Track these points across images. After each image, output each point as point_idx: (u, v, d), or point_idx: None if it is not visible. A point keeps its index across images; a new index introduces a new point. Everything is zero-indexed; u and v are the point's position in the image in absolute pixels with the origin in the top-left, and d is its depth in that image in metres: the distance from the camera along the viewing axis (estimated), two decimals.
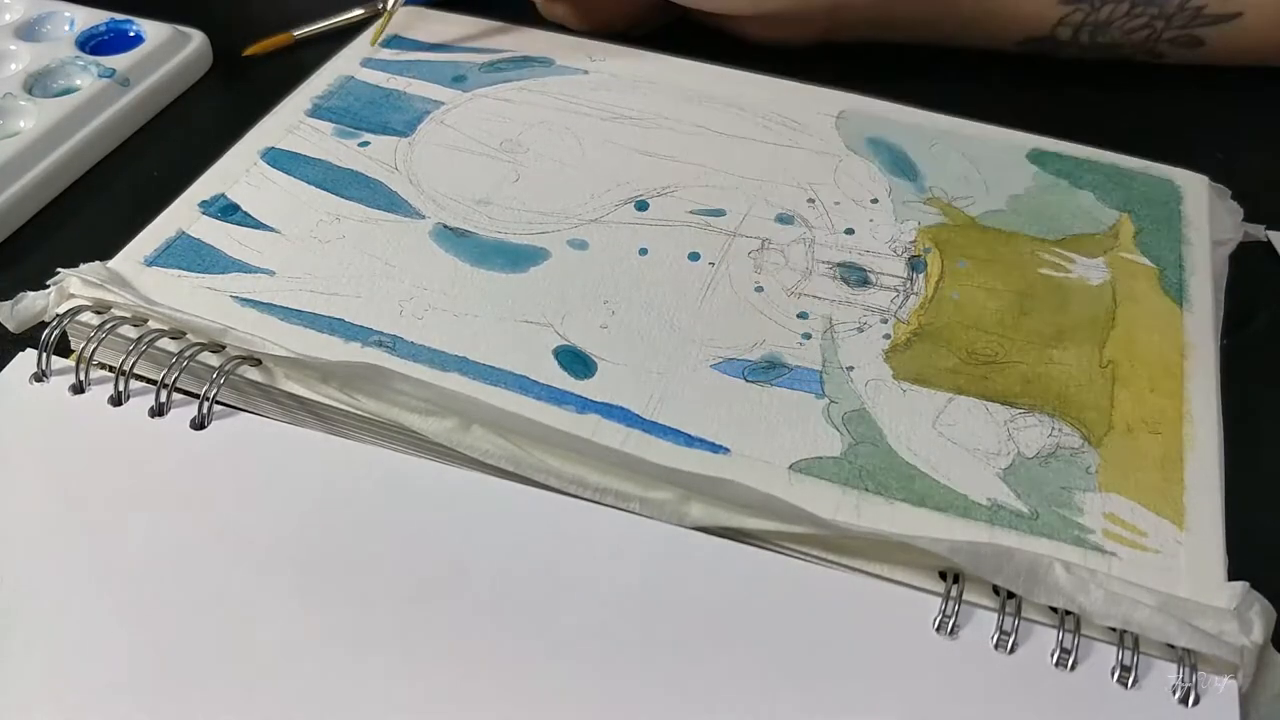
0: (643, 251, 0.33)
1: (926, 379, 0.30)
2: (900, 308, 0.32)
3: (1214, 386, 0.30)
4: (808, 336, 0.31)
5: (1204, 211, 0.36)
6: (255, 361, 0.29)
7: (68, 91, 0.40)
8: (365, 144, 0.37)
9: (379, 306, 0.31)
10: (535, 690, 0.23)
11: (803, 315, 0.31)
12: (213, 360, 0.29)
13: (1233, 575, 0.25)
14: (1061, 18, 0.41)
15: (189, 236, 0.33)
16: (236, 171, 0.36)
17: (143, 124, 0.41)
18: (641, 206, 0.35)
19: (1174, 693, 0.23)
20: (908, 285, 0.33)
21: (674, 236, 0.34)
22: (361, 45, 0.42)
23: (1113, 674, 0.24)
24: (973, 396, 0.29)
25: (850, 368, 0.30)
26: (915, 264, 0.33)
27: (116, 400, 0.28)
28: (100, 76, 0.40)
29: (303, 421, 0.29)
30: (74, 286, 0.30)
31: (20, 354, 0.29)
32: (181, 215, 0.34)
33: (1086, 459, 0.28)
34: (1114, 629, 0.24)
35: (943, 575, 0.25)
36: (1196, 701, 0.23)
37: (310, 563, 0.25)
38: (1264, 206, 0.37)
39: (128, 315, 0.30)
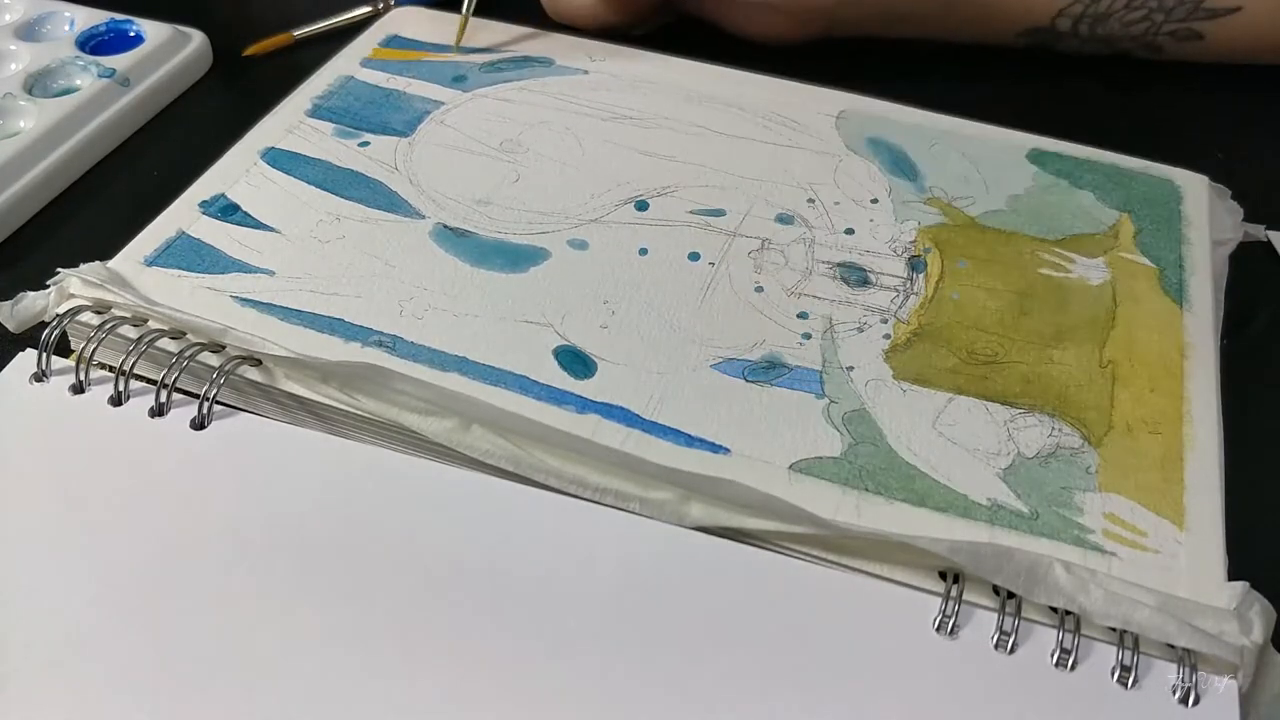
0: (643, 251, 0.33)
1: (926, 379, 0.30)
2: (900, 308, 0.32)
3: (1214, 386, 0.30)
4: (808, 336, 0.31)
5: (1204, 211, 0.36)
6: (255, 361, 0.29)
7: (68, 91, 0.40)
8: (365, 144, 0.37)
9: (379, 306, 0.31)
10: (535, 690, 0.23)
11: (803, 315, 0.31)
12: (213, 360, 0.29)
13: (1233, 575, 0.25)
14: (1061, 9, 0.41)
15: (189, 236, 0.33)
16: (236, 171, 0.36)
17: (143, 124, 0.41)
18: (641, 206, 0.35)
19: (1174, 693, 0.23)
20: (908, 285, 0.33)
21: (674, 236, 0.34)
22: (362, 45, 0.42)
23: (1113, 674, 0.24)
24: (973, 396, 0.29)
25: (850, 368, 0.30)
26: (915, 264, 0.33)
27: (116, 400, 0.28)
28: (100, 76, 0.40)
29: (303, 421, 0.29)
30: (74, 286, 0.30)
31: (20, 354, 0.29)
32: (181, 215, 0.34)
33: (1086, 459, 0.28)
34: (1114, 629, 0.24)
35: (943, 575, 0.25)
36: (1196, 701, 0.23)
37: (310, 563, 0.25)
38: (1264, 206, 0.37)
39: (128, 315, 0.30)
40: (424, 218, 0.34)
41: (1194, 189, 0.36)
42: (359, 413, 0.28)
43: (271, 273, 0.32)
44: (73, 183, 0.38)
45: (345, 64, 0.41)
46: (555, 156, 0.37)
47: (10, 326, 0.31)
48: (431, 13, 0.44)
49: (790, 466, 0.27)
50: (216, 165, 0.36)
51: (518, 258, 0.33)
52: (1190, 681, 0.23)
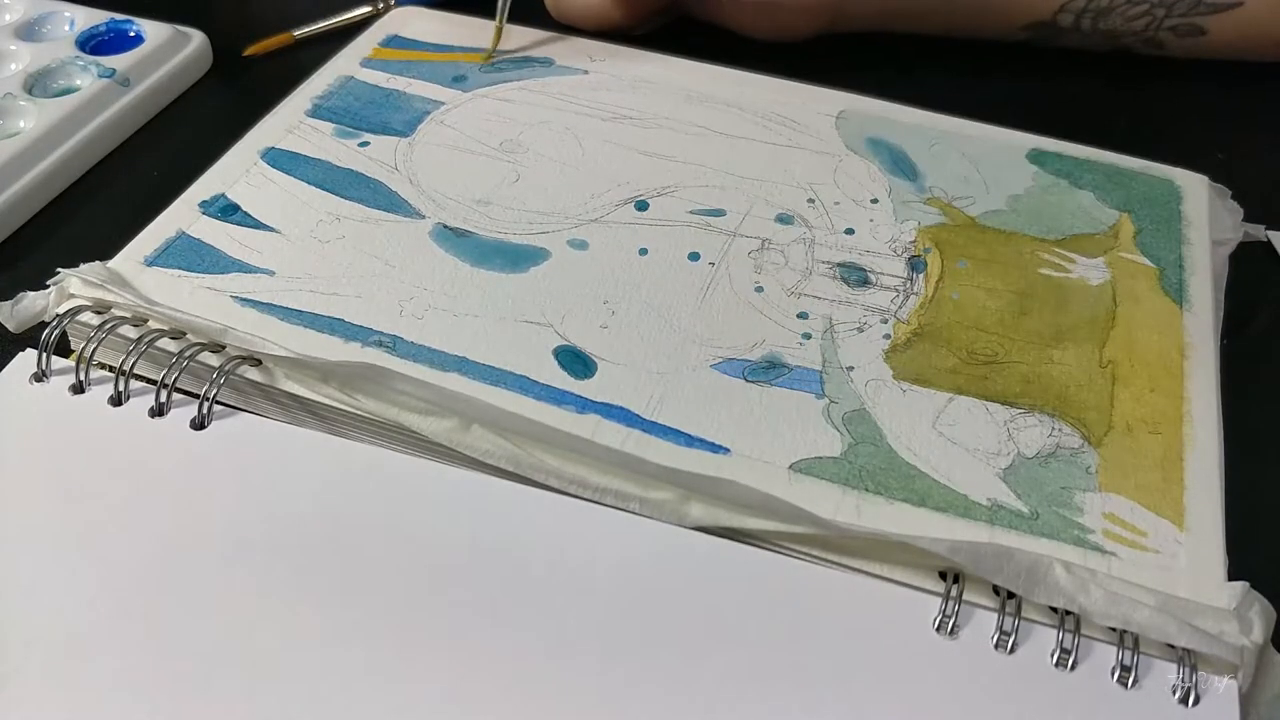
0: (643, 251, 0.33)
1: (926, 379, 0.30)
2: (900, 308, 0.32)
3: (1214, 386, 0.30)
4: (808, 336, 0.31)
5: (1204, 211, 0.36)
6: (255, 361, 0.29)
7: (68, 91, 0.40)
8: (365, 144, 0.37)
9: (379, 306, 0.31)
10: (535, 690, 0.23)
11: (803, 315, 0.31)
12: (213, 360, 0.29)
13: (1233, 575, 0.25)
14: (1063, 4, 0.41)
15: (189, 236, 0.33)
16: (236, 171, 0.36)
17: (143, 124, 0.41)
18: (641, 206, 0.35)
19: (1174, 693, 0.23)
20: (908, 285, 0.33)
21: (674, 236, 0.34)
22: (362, 45, 0.42)
23: (1113, 674, 0.24)
24: (973, 396, 0.29)
25: (850, 368, 0.30)
26: (915, 264, 0.33)
27: (116, 400, 0.28)
28: (100, 76, 0.40)
29: (303, 421, 0.29)
30: (74, 286, 0.30)
31: (20, 354, 0.29)
32: (181, 215, 0.34)
33: (1086, 459, 0.28)
34: (1114, 629, 0.24)
35: (943, 575, 0.25)
36: (1196, 701, 0.23)
37: (310, 562, 0.25)
38: (1264, 206, 0.37)
39: (128, 315, 0.30)
40: (424, 218, 0.34)
41: (1194, 189, 0.36)
42: (359, 413, 0.28)
43: (271, 273, 0.32)
44: (73, 183, 0.38)
45: (345, 64, 0.41)
46: (555, 156, 0.37)
47: (10, 326, 0.31)
48: (431, 13, 0.44)
49: (790, 466, 0.27)
50: (216, 165, 0.36)
51: (518, 258, 0.33)
52: (1190, 681, 0.23)
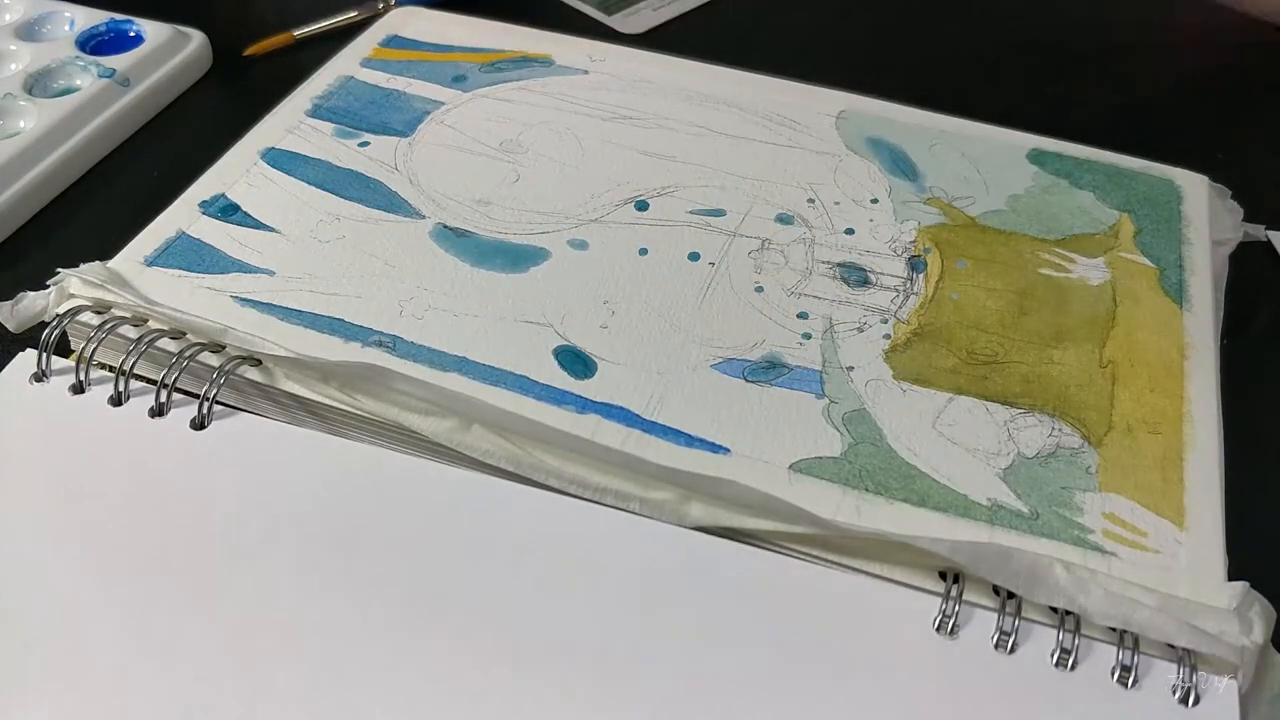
0: (643, 251, 0.33)
1: (926, 379, 0.30)
2: (900, 308, 0.32)
3: (1214, 386, 0.30)
4: (808, 336, 0.31)
5: (1204, 211, 0.36)
6: (255, 361, 0.29)
7: (68, 91, 0.40)
8: (365, 144, 0.37)
9: (379, 306, 0.31)
10: (535, 690, 0.23)
11: (803, 315, 0.31)
12: (213, 360, 0.29)
13: (1233, 575, 0.25)
14: None
15: (189, 236, 0.33)
16: (236, 171, 0.36)
17: (143, 124, 0.41)
18: (641, 206, 0.35)
19: (1174, 693, 0.23)
20: (908, 285, 0.33)
21: (674, 236, 0.34)
22: (362, 45, 0.42)
23: (1113, 674, 0.24)
24: (973, 396, 0.29)
25: (850, 368, 0.30)
26: (915, 264, 0.33)
27: (116, 400, 0.28)
28: (100, 76, 0.40)
29: (303, 421, 0.29)
30: (74, 286, 0.30)
31: (20, 354, 0.29)
32: (181, 215, 0.34)
33: (1086, 459, 0.28)
34: (1114, 629, 0.24)
35: (943, 575, 0.25)
36: (1196, 701, 0.23)
37: (310, 562, 0.25)
38: (1264, 206, 0.37)
39: (128, 315, 0.30)
40: (424, 218, 0.34)
41: (1194, 189, 0.36)
42: (359, 413, 0.28)
43: (271, 273, 0.32)
44: (73, 183, 0.38)
45: (345, 64, 0.41)
46: (555, 156, 0.37)
47: (10, 326, 0.31)
48: (431, 13, 0.44)
49: (790, 466, 0.27)
50: (216, 165, 0.36)
51: (518, 258, 0.33)
52: (1190, 681, 0.23)
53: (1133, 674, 0.23)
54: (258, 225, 0.34)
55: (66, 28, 0.43)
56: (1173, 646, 0.24)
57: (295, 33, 0.45)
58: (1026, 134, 0.38)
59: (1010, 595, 0.25)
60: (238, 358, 0.29)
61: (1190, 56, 0.45)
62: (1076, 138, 0.38)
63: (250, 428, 0.28)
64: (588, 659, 0.24)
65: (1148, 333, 0.31)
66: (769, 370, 0.30)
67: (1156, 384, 0.30)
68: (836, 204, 0.35)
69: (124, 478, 0.27)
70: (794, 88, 0.40)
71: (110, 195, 0.38)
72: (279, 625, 0.24)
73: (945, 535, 0.25)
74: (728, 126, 0.39)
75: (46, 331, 0.29)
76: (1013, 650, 0.24)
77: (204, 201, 0.34)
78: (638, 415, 0.28)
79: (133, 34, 0.43)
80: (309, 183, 0.35)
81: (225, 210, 0.34)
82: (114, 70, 0.40)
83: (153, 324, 0.29)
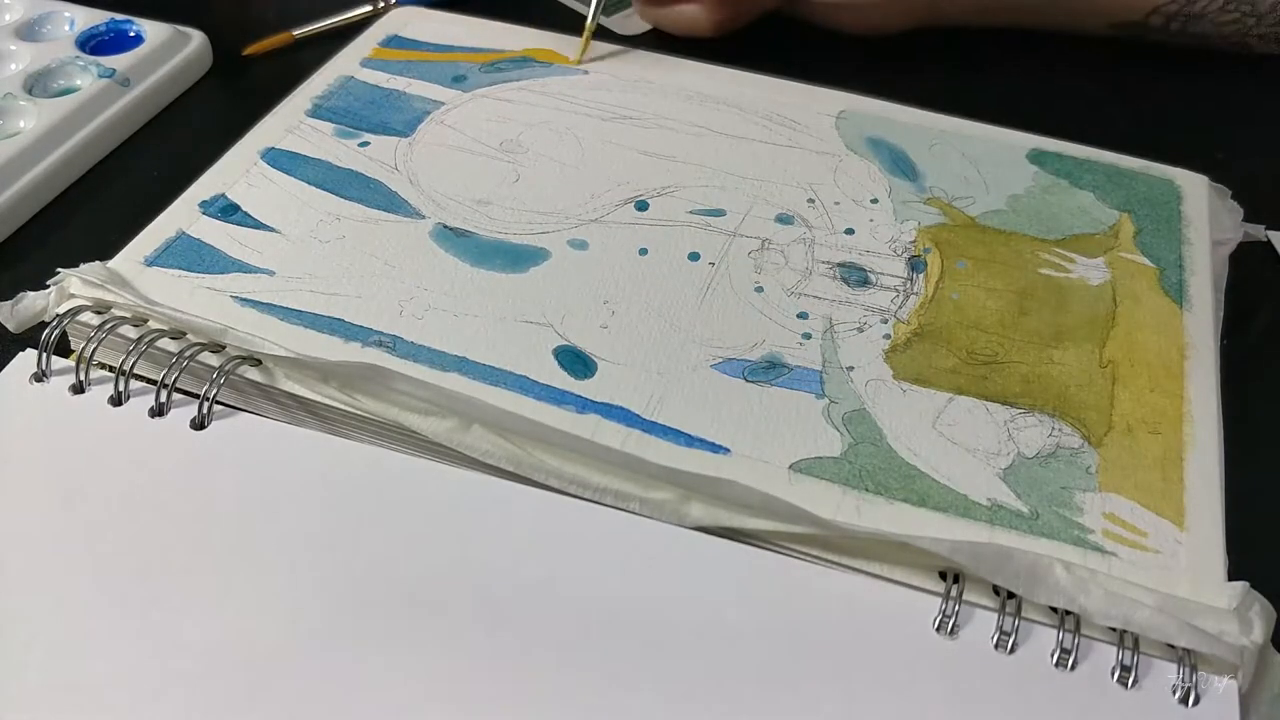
0: (643, 251, 0.33)
1: (926, 379, 0.30)
2: (900, 308, 0.32)
3: (1214, 386, 0.30)
4: (808, 336, 0.31)
5: (1204, 211, 0.36)
6: (255, 361, 0.29)
7: (68, 91, 0.40)
8: (365, 144, 0.37)
9: (379, 306, 0.31)
10: (535, 690, 0.23)
11: (803, 315, 0.31)
12: (213, 360, 0.29)
13: (1233, 575, 0.25)
14: (1156, 7, 0.42)
15: (189, 236, 0.33)
16: (236, 171, 0.36)
17: (143, 124, 0.41)
18: (641, 206, 0.35)
19: (1174, 693, 0.23)
20: (908, 285, 0.33)
21: (674, 236, 0.34)
22: (362, 45, 0.42)
23: (1113, 674, 0.24)
24: (973, 396, 0.29)
25: (850, 368, 0.30)
26: (915, 264, 0.33)
27: (116, 400, 0.28)
28: (100, 76, 0.40)
29: (303, 421, 0.29)
30: (74, 286, 0.30)
31: (20, 354, 0.29)
32: (181, 215, 0.34)
33: (1086, 459, 0.28)
34: (1114, 629, 0.24)
35: (943, 575, 0.25)
36: (1196, 701, 0.23)
37: (310, 562, 0.25)
38: (1264, 206, 0.37)
39: (128, 315, 0.30)
40: (424, 218, 0.34)
41: (1194, 189, 0.36)
42: (359, 413, 0.28)
43: (271, 273, 0.32)
44: (73, 183, 0.38)
45: (345, 64, 0.41)
46: (555, 156, 0.37)
47: (10, 326, 0.31)
48: (431, 13, 0.44)
49: (790, 466, 0.27)
50: (216, 165, 0.36)
51: (518, 258, 0.33)
52: (1190, 681, 0.23)
53: (1133, 674, 0.23)
54: (258, 225, 0.34)
55: (66, 28, 0.43)
56: (1173, 646, 0.24)
57: (295, 33, 0.45)
58: (1026, 134, 0.38)
59: (1010, 595, 0.25)
60: (238, 358, 0.29)
61: (1190, 56, 0.45)
62: (1076, 138, 0.38)
63: (250, 428, 0.28)
64: (588, 659, 0.24)
65: (1148, 333, 0.31)
66: (769, 370, 0.30)
67: (1156, 384, 0.30)
68: (836, 204, 0.35)
69: (124, 478, 0.27)
70: (794, 88, 0.40)
71: (110, 195, 0.38)
72: (279, 625, 0.24)
73: (945, 535, 0.25)
74: (728, 126, 0.39)
75: (46, 331, 0.29)
76: (1013, 650, 0.24)
77: (204, 201, 0.34)
78: (638, 415, 0.28)
79: (133, 34, 0.43)
80: (309, 183, 0.35)
81: (225, 210, 0.34)
82: (114, 70, 0.40)
83: (153, 324, 0.29)
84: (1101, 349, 0.31)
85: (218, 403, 0.28)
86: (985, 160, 0.37)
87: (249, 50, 0.44)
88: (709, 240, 0.34)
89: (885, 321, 0.31)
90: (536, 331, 0.30)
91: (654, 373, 0.29)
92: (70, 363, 0.29)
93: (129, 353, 0.28)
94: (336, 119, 0.38)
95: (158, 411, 0.28)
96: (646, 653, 0.24)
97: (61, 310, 0.30)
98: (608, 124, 0.38)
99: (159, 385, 0.28)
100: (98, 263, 0.31)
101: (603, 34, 0.46)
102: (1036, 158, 0.38)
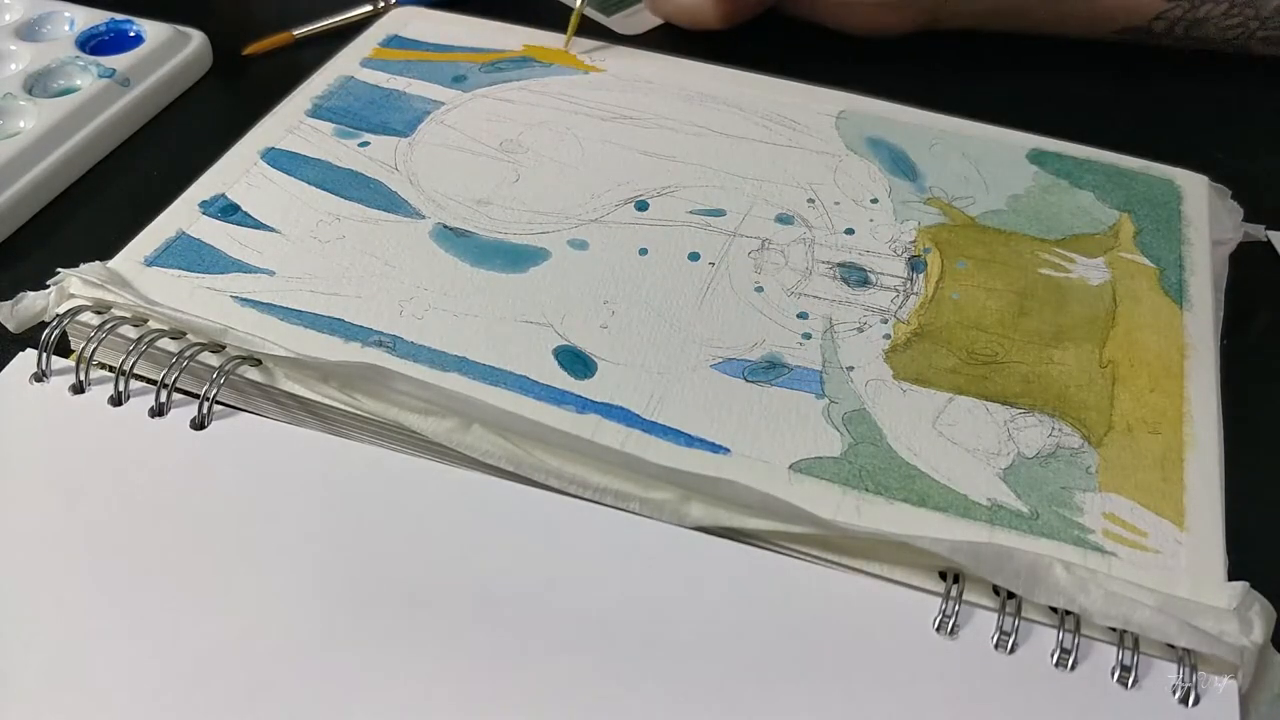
0: (643, 251, 0.33)
1: (926, 379, 0.30)
2: (900, 308, 0.32)
3: (1214, 386, 0.30)
4: (808, 336, 0.31)
5: (1204, 211, 0.36)
6: (255, 361, 0.29)
7: (68, 91, 0.40)
8: (365, 144, 0.37)
9: (379, 306, 0.31)
10: (535, 690, 0.23)
11: (803, 315, 0.31)
12: (213, 360, 0.29)
13: (1233, 575, 0.25)
14: (1161, 12, 0.43)
15: (189, 236, 0.33)
16: (236, 171, 0.36)
17: (143, 124, 0.41)
18: (641, 206, 0.35)
19: (1174, 693, 0.23)
20: (908, 285, 0.33)
21: (674, 236, 0.34)
22: (362, 45, 0.42)
23: (1113, 674, 0.24)
24: (973, 396, 0.29)
25: (850, 368, 0.30)
26: (915, 264, 0.33)
27: (116, 400, 0.28)
28: (100, 76, 0.40)
29: (303, 421, 0.29)
30: (74, 286, 0.30)
31: (20, 354, 0.29)
32: (181, 215, 0.34)
33: (1086, 459, 0.28)
34: (1114, 629, 0.24)
35: (943, 575, 0.25)
36: (1196, 701, 0.23)
37: (310, 562, 0.25)
38: (1264, 206, 0.37)
39: (128, 315, 0.30)
40: (424, 218, 0.34)
41: (1194, 189, 0.36)
42: (359, 413, 0.28)
43: (271, 273, 0.32)
44: (73, 183, 0.38)
45: (345, 64, 0.41)
46: (555, 156, 0.37)
47: (10, 326, 0.31)
48: (431, 13, 0.44)
49: (790, 466, 0.27)
50: (216, 165, 0.36)
51: (518, 258, 0.33)
52: (1190, 681, 0.23)
53: (1133, 674, 0.23)
54: (258, 225, 0.34)
55: (66, 28, 0.43)
56: (1173, 646, 0.24)
57: (295, 32, 0.45)
58: (1026, 134, 0.38)
59: (1010, 595, 0.25)
60: (238, 358, 0.29)
61: (1190, 56, 0.45)
62: (1076, 138, 0.38)
63: (250, 428, 0.28)
64: (587, 659, 0.24)
65: (1148, 333, 0.31)
66: (769, 370, 0.30)
67: (1156, 384, 0.30)
68: (836, 204, 0.35)
69: (124, 478, 0.27)
70: (794, 88, 0.40)
71: (110, 195, 0.38)
72: (279, 625, 0.24)
73: (945, 535, 0.25)
74: (728, 126, 0.39)
75: (46, 331, 0.29)
76: (1013, 650, 0.24)
77: (204, 201, 0.34)
78: (638, 415, 0.28)
79: (133, 34, 0.43)
80: (309, 183, 0.35)
81: (225, 210, 0.34)
82: (114, 70, 0.40)
83: (153, 324, 0.29)
84: (1101, 349, 0.31)
85: (218, 403, 0.28)
86: (985, 160, 0.37)
87: (249, 50, 0.44)
88: (709, 240, 0.34)
89: (885, 321, 0.31)
90: (536, 331, 0.30)
91: (654, 373, 0.29)
92: (70, 363, 0.29)
93: (129, 353, 0.28)
94: (336, 119, 0.38)
95: (158, 411, 0.28)
96: (646, 653, 0.24)
97: (61, 310, 0.30)
98: (608, 124, 0.38)
99: (159, 385, 0.28)
100: (98, 263, 0.31)
101: (603, 34, 0.46)
102: (1036, 158, 0.38)
